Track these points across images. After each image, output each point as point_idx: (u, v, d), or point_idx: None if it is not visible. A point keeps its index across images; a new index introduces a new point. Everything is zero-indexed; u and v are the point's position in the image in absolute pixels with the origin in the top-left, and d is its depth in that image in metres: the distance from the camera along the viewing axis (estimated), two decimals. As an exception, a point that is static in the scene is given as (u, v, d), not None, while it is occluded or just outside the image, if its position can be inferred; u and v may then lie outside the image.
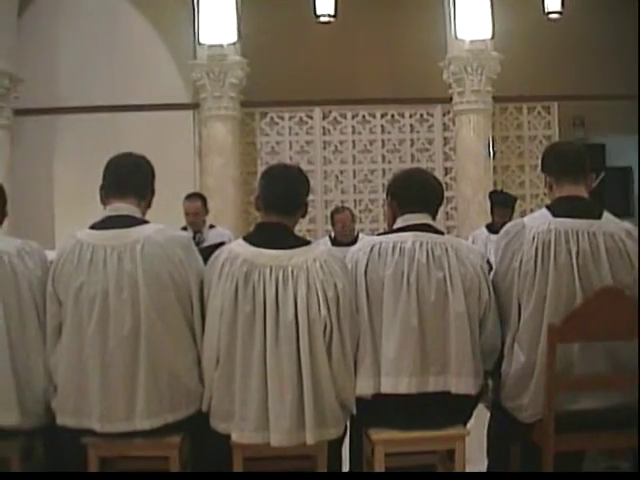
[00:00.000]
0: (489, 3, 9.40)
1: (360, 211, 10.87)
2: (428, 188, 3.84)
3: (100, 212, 3.69)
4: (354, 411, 3.60)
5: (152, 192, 3.77)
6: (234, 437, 3.46)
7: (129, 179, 3.68)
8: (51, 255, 3.73)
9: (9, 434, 3.49)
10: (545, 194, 4.02)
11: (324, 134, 11.00)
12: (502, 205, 8.09)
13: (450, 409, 3.62)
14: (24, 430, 3.52)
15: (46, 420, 3.58)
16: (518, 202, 9.18)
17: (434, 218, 3.83)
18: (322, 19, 10.21)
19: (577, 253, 3.57)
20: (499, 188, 10.35)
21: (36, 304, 3.56)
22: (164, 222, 3.66)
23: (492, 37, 9.70)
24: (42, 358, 3.56)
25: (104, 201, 3.70)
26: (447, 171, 10.87)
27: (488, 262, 3.90)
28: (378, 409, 3.60)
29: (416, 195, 3.80)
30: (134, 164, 3.75)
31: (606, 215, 3.70)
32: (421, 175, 3.99)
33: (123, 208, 3.62)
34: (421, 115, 11.03)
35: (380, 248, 3.67)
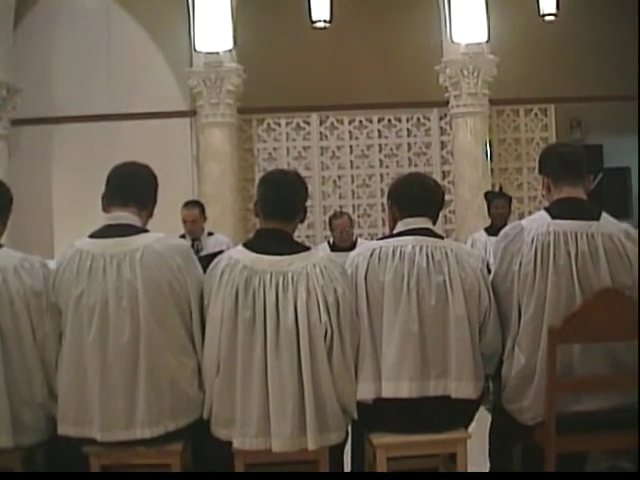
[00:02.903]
0: (484, 6, 9.39)
1: (359, 216, 10.87)
2: (428, 192, 3.84)
3: (99, 221, 3.69)
4: (355, 416, 3.60)
5: (154, 202, 3.77)
6: (235, 443, 3.46)
7: (130, 188, 3.68)
8: (51, 264, 3.72)
9: None
10: (543, 196, 4.03)
11: (321, 140, 11.00)
12: (497, 197, 8.13)
13: (451, 413, 3.62)
14: (23, 447, 3.51)
15: (47, 434, 3.57)
16: (516, 204, 9.19)
17: (434, 222, 3.83)
18: (318, 25, 10.20)
19: (576, 255, 3.57)
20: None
21: (31, 321, 3.51)
22: (162, 230, 3.66)
23: (488, 40, 9.65)
24: (42, 374, 3.53)
25: (105, 209, 3.70)
26: (445, 175, 10.86)
27: (487, 265, 3.90)
28: (379, 414, 3.60)
29: (416, 199, 3.80)
30: (136, 173, 3.75)
31: (604, 216, 3.70)
32: (421, 179, 3.99)
33: (123, 217, 3.62)
34: (418, 119, 11.03)
35: (380, 253, 3.67)
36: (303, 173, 7.94)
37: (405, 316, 3.57)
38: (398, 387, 3.57)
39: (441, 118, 10.95)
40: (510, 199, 8.40)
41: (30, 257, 3.64)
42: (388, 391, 3.58)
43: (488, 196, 8.40)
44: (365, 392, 3.59)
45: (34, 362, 3.52)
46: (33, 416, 3.52)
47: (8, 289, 3.49)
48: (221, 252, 3.83)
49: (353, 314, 3.58)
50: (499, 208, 7.97)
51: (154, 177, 3.77)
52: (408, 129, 11.04)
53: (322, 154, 11.00)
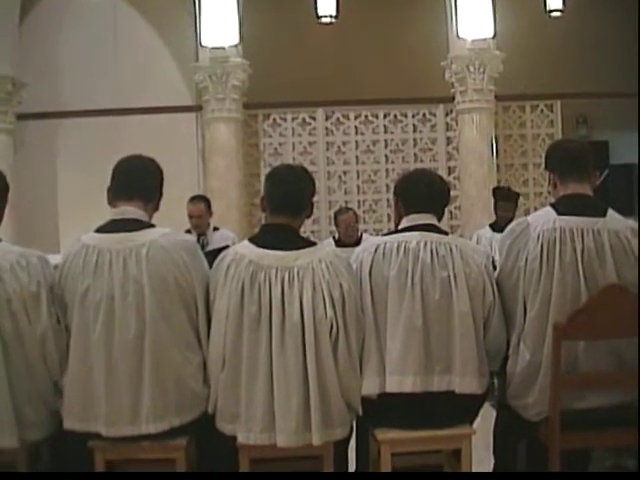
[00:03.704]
0: (490, 2, 9.39)
1: (364, 211, 10.88)
2: (433, 189, 3.84)
3: (105, 216, 3.69)
4: (360, 411, 3.60)
5: (160, 195, 3.76)
6: (240, 438, 3.46)
7: (137, 182, 3.67)
8: (56, 259, 3.71)
9: None
10: (549, 192, 4.02)
11: (327, 135, 11.01)
12: (504, 199, 8.09)
13: (456, 408, 3.62)
14: (28, 443, 3.50)
15: (51, 430, 3.56)
16: (522, 200, 9.17)
17: (440, 219, 3.83)
18: (324, 20, 10.21)
19: (582, 251, 3.57)
20: (505, 186, 10.33)
21: (29, 319, 3.48)
22: (167, 225, 3.66)
23: (494, 36, 9.67)
24: (44, 369, 3.52)
25: (111, 203, 3.69)
26: (450, 170, 10.86)
27: (493, 261, 3.90)
28: (384, 409, 3.61)
29: (421, 196, 3.80)
30: (143, 167, 3.74)
31: (611, 213, 3.69)
32: (426, 176, 3.98)
33: (129, 211, 3.61)
34: (424, 115, 11.03)
35: (385, 248, 3.67)
36: (309, 168, 7.92)
37: (409, 311, 3.58)
38: (402, 381, 3.57)
39: (447, 114, 10.95)
40: (517, 199, 8.35)
41: (28, 252, 3.59)
42: (392, 385, 3.58)
43: (496, 194, 8.37)
44: (370, 387, 3.59)
45: (35, 358, 3.50)
46: (36, 413, 3.51)
47: (5, 288, 3.45)
48: (227, 247, 3.82)
49: (359, 310, 3.58)
50: (505, 210, 7.92)
51: (160, 170, 3.76)
52: (414, 125, 11.04)
53: (328, 149, 11.01)
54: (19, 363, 3.47)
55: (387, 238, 3.76)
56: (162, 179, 3.76)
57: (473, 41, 9.99)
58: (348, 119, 11.04)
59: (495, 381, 4.03)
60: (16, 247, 3.63)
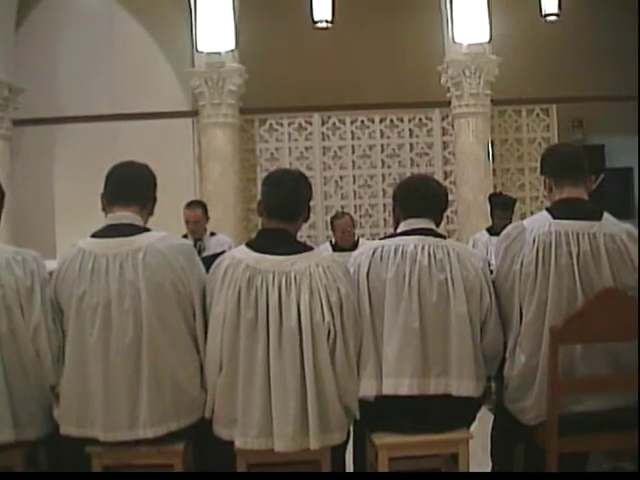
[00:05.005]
0: (486, 6, 9.40)
1: (360, 216, 10.87)
2: (430, 194, 3.85)
3: (101, 221, 3.69)
4: (358, 416, 3.60)
5: (154, 200, 3.77)
6: (237, 443, 3.46)
7: (131, 187, 3.68)
8: (52, 265, 3.72)
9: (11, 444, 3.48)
10: (545, 196, 4.03)
11: (323, 140, 11.00)
12: (502, 208, 8.07)
13: (453, 411, 3.63)
14: (24, 441, 3.51)
15: (47, 429, 3.57)
16: (518, 205, 9.16)
17: (438, 224, 3.84)
18: (319, 25, 10.23)
19: (578, 255, 3.57)
20: (499, 191, 10.33)
21: (23, 314, 3.49)
22: (164, 230, 3.66)
23: (489, 40, 9.68)
24: (38, 368, 3.53)
25: (105, 209, 3.70)
26: (447, 175, 10.86)
27: (489, 265, 3.91)
28: (381, 413, 3.61)
29: (418, 201, 3.81)
30: (136, 172, 3.75)
31: (606, 216, 3.70)
32: (424, 181, 4.00)
33: (125, 216, 3.62)
34: (420, 119, 11.02)
35: (382, 251, 3.68)
36: (305, 173, 7.93)
37: (406, 313, 3.58)
38: (398, 384, 3.58)
39: (443, 118, 10.95)
40: (514, 205, 8.32)
41: (23, 250, 3.63)
42: (388, 388, 3.58)
43: (493, 202, 8.34)
44: (367, 389, 3.59)
45: (29, 355, 3.51)
46: (31, 410, 3.52)
47: (1, 283, 3.48)
48: (224, 253, 3.83)
49: (356, 314, 3.58)
50: (503, 219, 7.88)
51: (153, 176, 3.77)
52: (410, 129, 11.04)
53: (324, 154, 11.00)
54: (13, 359, 3.48)
55: (385, 242, 3.77)
56: (156, 184, 3.77)
57: (469, 45, 10.00)
58: (344, 124, 11.03)
59: (492, 385, 4.04)
60: (11, 247, 3.69)
